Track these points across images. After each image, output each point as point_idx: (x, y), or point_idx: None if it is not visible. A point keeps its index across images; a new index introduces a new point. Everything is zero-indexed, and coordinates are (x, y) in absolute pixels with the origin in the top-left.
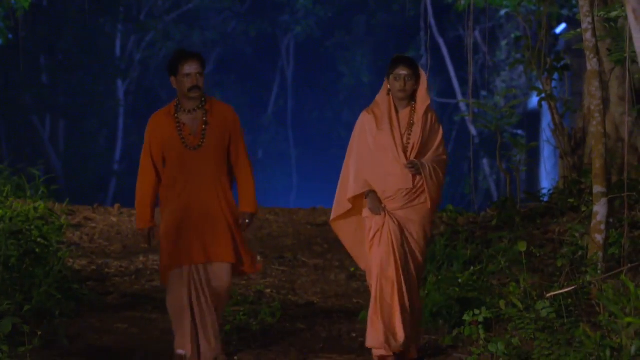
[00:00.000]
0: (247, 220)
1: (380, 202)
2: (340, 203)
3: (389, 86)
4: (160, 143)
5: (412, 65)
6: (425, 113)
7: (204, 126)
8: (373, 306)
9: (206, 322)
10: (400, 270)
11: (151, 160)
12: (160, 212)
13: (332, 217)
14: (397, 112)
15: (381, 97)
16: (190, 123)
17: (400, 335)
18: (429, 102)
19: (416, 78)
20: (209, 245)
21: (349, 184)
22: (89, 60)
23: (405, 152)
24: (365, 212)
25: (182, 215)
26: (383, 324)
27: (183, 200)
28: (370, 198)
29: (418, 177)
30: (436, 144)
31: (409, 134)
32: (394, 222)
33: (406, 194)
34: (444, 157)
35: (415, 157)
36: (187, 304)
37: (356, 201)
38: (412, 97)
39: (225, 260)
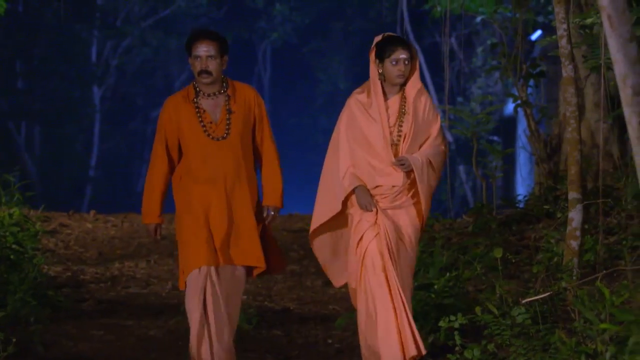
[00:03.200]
0: (272, 213)
1: (372, 197)
2: (328, 204)
3: (380, 70)
4: (178, 131)
5: (410, 47)
6: (417, 99)
7: (227, 115)
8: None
9: (222, 330)
10: (397, 272)
11: (165, 148)
12: (177, 208)
13: (315, 224)
14: (386, 99)
15: (371, 82)
16: (211, 110)
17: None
18: (419, 86)
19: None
20: (231, 247)
21: (337, 181)
22: (64, 66)
23: (396, 145)
24: (353, 208)
25: (203, 214)
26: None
27: (205, 198)
28: (359, 191)
29: (409, 174)
30: (433, 133)
31: (400, 125)
32: (388, 220)
33: (396, 193)
34: (443, 147)
35: (409, 149)
36: (202, 309)
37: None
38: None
39: (247, 263)
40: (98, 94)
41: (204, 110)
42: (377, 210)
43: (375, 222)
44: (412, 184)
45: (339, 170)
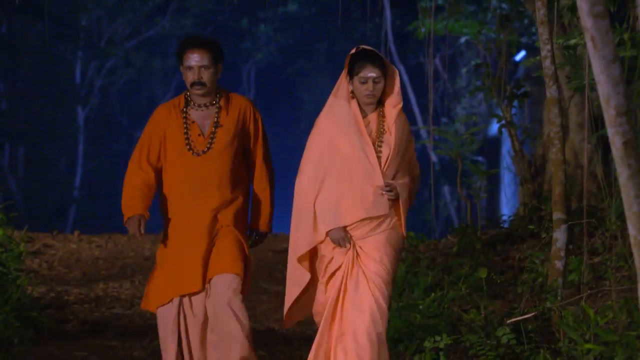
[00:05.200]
0: (257, 238)
1: (346, 231)
2: (307, 234)
3: (351, 87)
4: (162, 141)
5: (381, 63)
6: (397, 119)
7: (214, 128)
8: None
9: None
10: (349, 313)
11: (147, 155)
12: (163, 230)
13: (302, 250)
14: (362, 118)
15: (341, 100)
16: (201, 121)
17: None
18: (401, 104)
19: (385, 77)
20: (210, 268)
21: (320, 214)
22: (48, 87)
23: (379, 169)
24: (324, 243)
25: (182, 236)
26: None
27: (184, 218)
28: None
29: (394, 201)
30: (410, 156)
31: (380, 145)
32: (355, 257)
33: (373, 220)
34: (418, 171)
35: (389, 172)
36: (177, 341)
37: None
38: (379, 100)
39: (228, 271)
40: (82, 115)
41: (193, 122)
42: (350, 247)
43: (344, 261)
44: (394, 211)
45: (317, 200)
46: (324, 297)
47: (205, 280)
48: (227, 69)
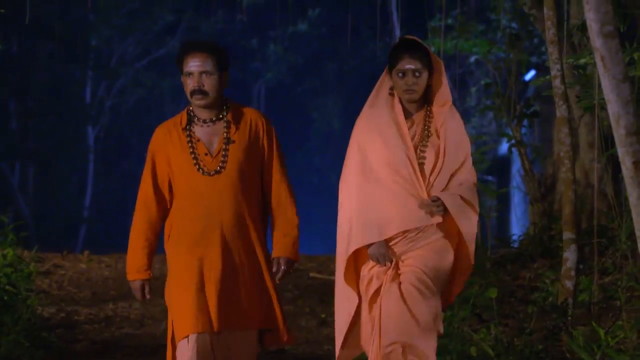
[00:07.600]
0: (283, 267)
1: (387, 248)
2: (344, 250)
3: (391, 84)
4: (167, 164)
5: (423, 54)
6: (447, 119)
7: (224, 144)
8: None
9: None
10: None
11: (152, 187)
12: (167, 257)
13: (340, 268)
14: (405, 118)
15: (381, 100)
16: (207, 139)
17: None
18: (449, 101)
19: (430, 70)
20: (230, 308)
21: (350, 231)
22: (59, 107)
23: (421, 174)
24: (364, 263)
25: (195, 266)
26: None
27: (197, 248)
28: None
29: (439, 216)
30: (463, 161)
31: (423, 150)
32: (396, 279)
33: (418, 233)
34: (474, 179)
35: (440, 180)
36: None
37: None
38: (425, 98)
39: (248, 327)
40: (92, 134)
41: (198, 140)
42: (391, 265)
43: (386, 280)
44: (440, 224)
45: (351, 218)
46: (369, 317)
47: (223, 321)
48: (238, 88)
